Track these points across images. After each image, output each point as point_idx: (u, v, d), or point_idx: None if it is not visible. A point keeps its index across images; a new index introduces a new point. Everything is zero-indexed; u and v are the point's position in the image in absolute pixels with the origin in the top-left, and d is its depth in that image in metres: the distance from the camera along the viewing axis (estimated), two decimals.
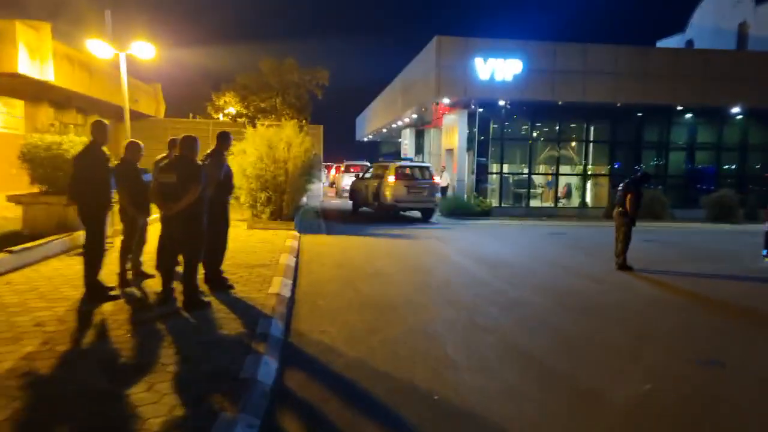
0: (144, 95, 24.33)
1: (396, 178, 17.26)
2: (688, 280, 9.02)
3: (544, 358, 5.11)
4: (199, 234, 5.96)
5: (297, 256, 10.02)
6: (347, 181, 26.31)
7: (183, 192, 5.75)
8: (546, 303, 7.20)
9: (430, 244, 12.51)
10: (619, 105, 19.91)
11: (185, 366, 4.42)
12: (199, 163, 6.04)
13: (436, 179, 18.62)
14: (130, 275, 7.30)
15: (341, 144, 62.37)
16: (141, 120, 25.25)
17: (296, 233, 13.04)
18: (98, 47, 13.14)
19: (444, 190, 22.48)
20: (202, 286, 6.84)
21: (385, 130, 36.63)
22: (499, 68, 18.88)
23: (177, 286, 6.25)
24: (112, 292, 6.52)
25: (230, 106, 27.29)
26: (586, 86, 19.26)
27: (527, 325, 6.18)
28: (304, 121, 27.96)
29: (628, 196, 9.59)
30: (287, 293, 7.00)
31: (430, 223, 17.31)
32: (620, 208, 9.79)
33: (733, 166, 22.28)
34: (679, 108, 20.74)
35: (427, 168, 18.57)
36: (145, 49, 13.47)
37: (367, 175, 19.41)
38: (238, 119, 26.24)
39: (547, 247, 12.62)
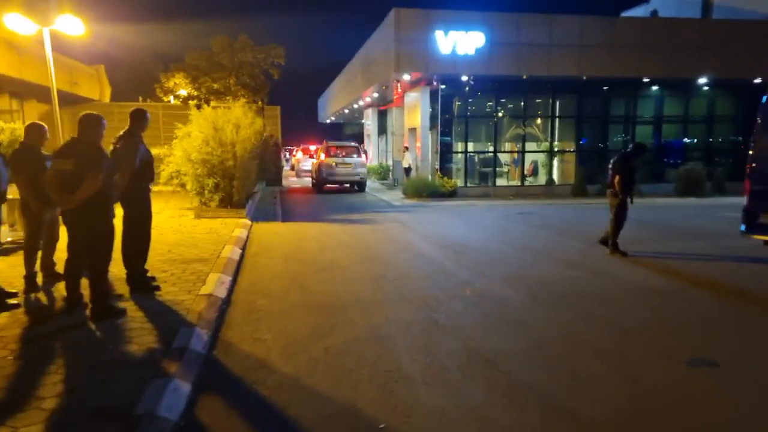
0: (85, 77, 22.82)
1: (326, 156, 20.74)
2: (668, 262, 8.41)
3: (513, 367, 4.35)
4: (104, 230, 5.00)
5: (243, 248, 9.10)
6: (305, 163, 27.87)
7: (81, 181, 4.78)
8: (516, 295, 6.46)
9: (392, 229, 11.70)
10: (585, 78, 19.29)
11: (68, 399, 3.52)
12: (101, 147, 5.05)
13: (363, 157, 22.00)
14: (40, 278, 6.31)
15: (305, 127, 61.05)
16: (83, 104, 23.75)
17: (247, 221, 12.10)
18: (18, 22, 11.84)
19: (407, 170, 21.74)
20: (122, 288, 5.91)
21: (347, 111, 35.52)
22: (461, 41, 18.01)
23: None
24: (12, 300, 5.55)
25: (181, 88, 25.86)
26: (551, 59, 18.56)
27: (495, 324, 5.43)
28: (260, 102, 26.80)
29: (616, 177, 8.63)
30: (223, 293, 6.10)
31: (393, 206, 16.51)
32: (610, 189, 8.90)
33: (700, 139, 21.99)
34: (646, 80, 20.24)
35: (356, 147, 22.31)
36: (72, 24, 12.21)
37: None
38: (190, 101, 24.89)
39: (516, 229, 11.95)
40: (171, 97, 27.09)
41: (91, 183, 4.72)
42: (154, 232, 10.55)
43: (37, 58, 18.44)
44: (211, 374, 4.18)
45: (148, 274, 6.28)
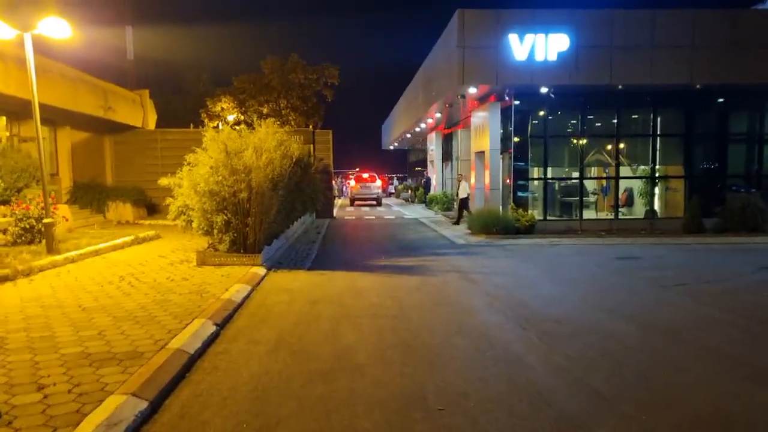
0: (124, 103, 21.06)
1: (356, 182, 32.16)
2: None
3: None
4: None
5: (223, 323, 6.18)
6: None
7: None
8: None
9: (449, 285, 8.52)
10: (698, 87, 15.50)
11: None
12: None
13: (379, 182, 32.42)
14: None
15: (367, 153, 59.16)
16: (125, 132, 22.02)
17: (260, 271, 9.32)
18: None
19: (464, 201, 18.63)
20: None
21: (409, 135, 32.73)
22: (539, 46, 14.78)
23: None
24: None
25: (228, 114, 23.87)
26: (654, 65, 14.94)
27: None
28: (311, 126, 24.44)
29: None
30: None
31: (455, 246, 13.32)
32: None
33: None
34: None
35: (375, 175, 32.75)
36: (57, 28, 10.03)
37: None
38: (236, 127, 22.81)
39: (624, 286, 8.46)
40: (218, 123, 25.21)
41: None
42: (120, 288, 7.88)
43: (60, 79, 16.76)
44: None
45: None
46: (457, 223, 18.61)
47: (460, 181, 19.31)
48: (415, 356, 5.11)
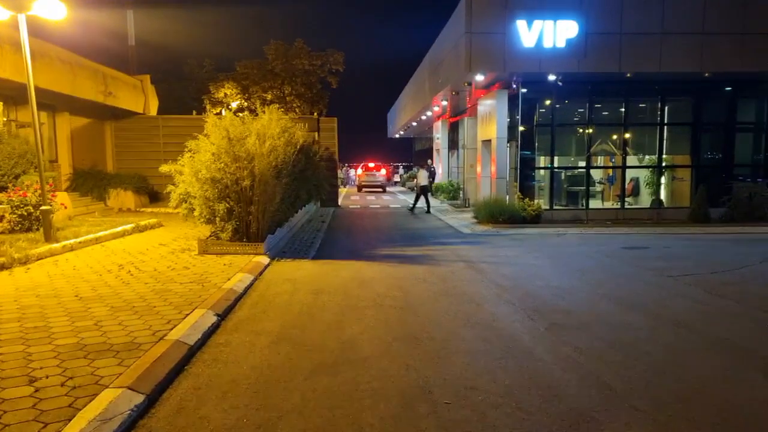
0: (125, 88, 20.85)
1: (363, 171, 36.24)
2: None
3: None
4: None
5: (225, 313, 6.05)
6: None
7: None
8: None
9: (455, 275, 8.36)
10: (706, 75, 15.22)
11: None
12: None
13: (383, 171, 36.66)
14: None
15: (374, 142, 58.94)
16: (127, 118, 21.83)
17: (263, 260, 9.17)
18: None
19: (424, 189, 19.64)
20: None
21: (415, 124, 32.47)
22: (548, 32, 14.52)
23: None
24: None
25: (232, 100, 23.62)
26: (663, 52, 14.68)
27: None
28: (315, 113, 24.22)
29: None
30: None
31: (460, 235, 13.17)
32: None
33: None
34: None
35: (380, 165, 37.35)
36: (52, 8, 9.81)
37: None
38: (239, 114, 22.61)
39: (631, 277, 8.29)
40: (222, 110, 25.00)
41: None
42: (119, 277, 7.62)
43: (58, 63, 16.54)
44: None
45: None
46: (411, 209, 19.90)
47: (420, 168, 21.03)
48: (421, 348, 4.96)
